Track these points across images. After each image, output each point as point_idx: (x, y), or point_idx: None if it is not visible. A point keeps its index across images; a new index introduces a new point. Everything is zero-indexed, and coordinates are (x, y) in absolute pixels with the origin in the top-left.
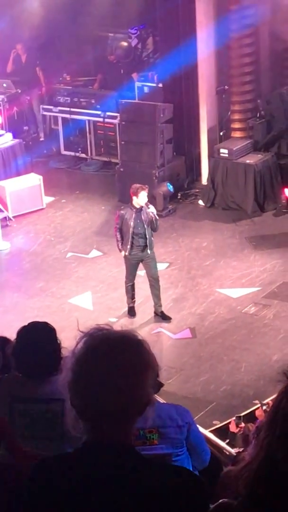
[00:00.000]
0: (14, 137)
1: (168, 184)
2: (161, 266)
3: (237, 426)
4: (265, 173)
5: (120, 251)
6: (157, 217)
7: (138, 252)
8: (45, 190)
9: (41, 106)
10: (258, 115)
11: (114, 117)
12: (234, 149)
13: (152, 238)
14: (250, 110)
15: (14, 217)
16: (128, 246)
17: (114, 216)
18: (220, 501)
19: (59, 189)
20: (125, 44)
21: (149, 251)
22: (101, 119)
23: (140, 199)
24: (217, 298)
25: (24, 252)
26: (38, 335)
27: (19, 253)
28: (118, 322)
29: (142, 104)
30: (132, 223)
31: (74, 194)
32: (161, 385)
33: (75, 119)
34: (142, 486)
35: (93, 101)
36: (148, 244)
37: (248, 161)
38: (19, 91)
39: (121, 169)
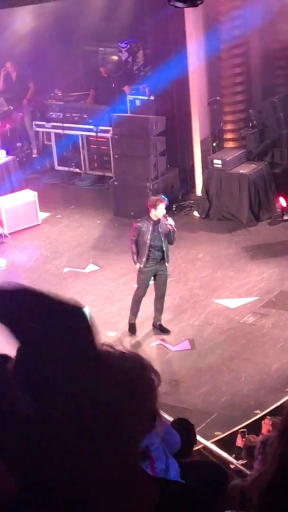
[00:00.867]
0: (8, 154)
1: (163, 196)
2: None
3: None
4: (259, 182)
5: (135, 263)
6: (175, 229)
7: (153, 265)
8: (40, 206)
9: (33, 122)
10: (250, 125)
11: (107, 131)
12: (227, 159)
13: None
14: (242, 120)
15: (10, 233)
16: (144, 259)
17: (130, 229)
18: None
19: (54, 205)
20: (115, 58)
21: (166, 264)
22: (94, 134)
23: (159, 211)
24: (215, 309)
25: (21, 269)
26: None
27: (15, 270)
28: (117, 336)
29: (134, 118)
30: (149, 236)
31: (69, 209)
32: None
33: (68, 134)
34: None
35: (85, 116)
36: (165, 257)
37: (242, 171)
38: (11, 108)
39: (115, 183)
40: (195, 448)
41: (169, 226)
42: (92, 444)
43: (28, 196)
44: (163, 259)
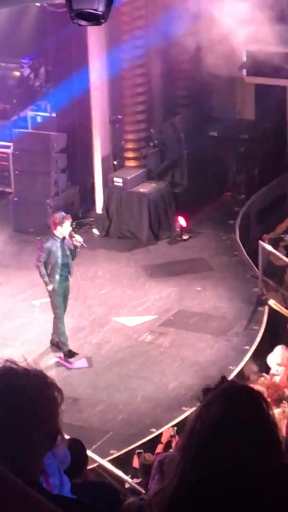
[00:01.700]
0: None
1: (63, 213)
2: None
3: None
4: (159, 201)
5: (47, 285)
6: (85, 245)
7: (63, 283)
8: None
9: None
10: (151, 144)
11: (7, 147)
12: (128, 178)
13: None
14: (143, 139)
15: None
16: (57, 279)
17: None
18: None
19: None
20: (17, 73)
21: (70, 280)
22: None
23: (65, 228)
24: (113, 326)
25: None
26: None
27: None
28: (15, 353)
29: (35, 134)
30: (60, 254)
31: None
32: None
33: None
34: None
35: None
36: (70, 273)
37: (142, 190)
38: None
39: (15, 199)
40: (90, 466)
41: (77, 243)
42: None
43: None
44: (69, 275)
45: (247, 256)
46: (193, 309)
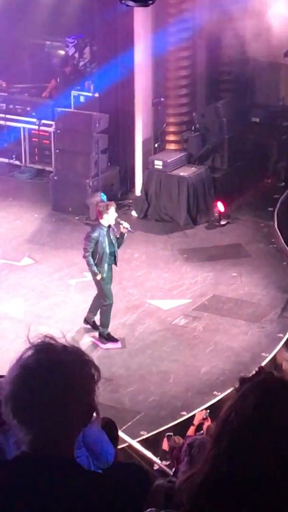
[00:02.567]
0: None
1: (102, 194)
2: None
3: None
4: (199, 186)
5: (96, 275)
6: (132, 231)
7: (109, 271)
8: None
9: None
10: (193, 128)
11: (50, 125)
12: (168, 161)
13: None
14: (185, 123)
15: None
16: (105, 268)
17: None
18: (148, 510)
19: None
20: (62, 52)
21: (117, 267)
22: (36, 127)
23: (111, 215)
24: (147, 309)
25: None
26: None
27: None
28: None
29: (77, 113)
30: (107, 244)
31: (7, 201)
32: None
33: (10, 126)
34: (80, 499)
35: (28, 109)
36: (116, 261)
37: (182, 174)
38: None
39: (55, 178)
40: (120, 446)
41: (124, 230)
42: None
43: None
44: (115, 263)
45: (285, 244)
46: (228, 295)
